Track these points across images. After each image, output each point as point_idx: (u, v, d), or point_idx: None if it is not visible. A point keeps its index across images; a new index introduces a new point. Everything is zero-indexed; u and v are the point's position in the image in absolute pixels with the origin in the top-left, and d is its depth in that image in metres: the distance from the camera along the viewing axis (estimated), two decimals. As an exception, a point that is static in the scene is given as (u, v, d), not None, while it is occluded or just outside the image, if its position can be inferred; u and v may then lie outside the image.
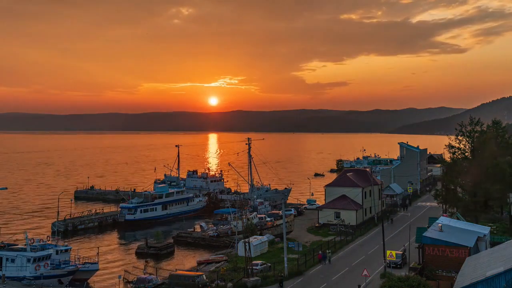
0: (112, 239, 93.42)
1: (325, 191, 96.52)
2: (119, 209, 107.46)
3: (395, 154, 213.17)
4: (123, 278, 59.66)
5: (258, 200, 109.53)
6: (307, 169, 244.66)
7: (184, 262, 74.34)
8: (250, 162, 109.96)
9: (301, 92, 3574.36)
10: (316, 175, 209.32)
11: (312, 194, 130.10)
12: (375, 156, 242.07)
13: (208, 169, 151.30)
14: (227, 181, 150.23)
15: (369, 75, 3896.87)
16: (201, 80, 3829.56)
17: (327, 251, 66.47)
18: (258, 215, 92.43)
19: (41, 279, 56.66)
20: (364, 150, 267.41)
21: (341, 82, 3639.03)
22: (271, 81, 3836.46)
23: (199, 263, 69.40)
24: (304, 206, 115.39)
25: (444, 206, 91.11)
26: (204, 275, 55.89)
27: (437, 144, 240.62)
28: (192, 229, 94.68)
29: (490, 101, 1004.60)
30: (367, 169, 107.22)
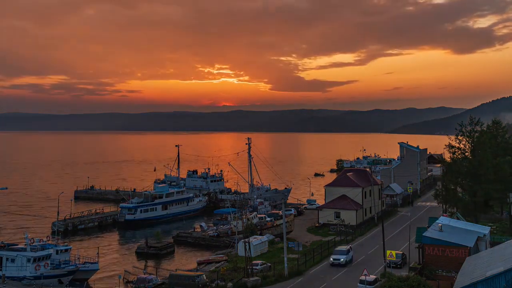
0: (112, 239, 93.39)
1: (325, 191, 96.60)
2: (119, 209, 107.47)
3: (395, 154, 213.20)
4: (123, 278, 59.65)
5: (258, 200, 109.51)
6: (307, 169, 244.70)
7: (184, 262, 74.34)
8: (250, 162, 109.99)
9: (303, 90, 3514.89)
10: (316, 175, 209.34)
11: (312, 194, 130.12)
12: (375, 156, 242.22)
13: (208, 169, 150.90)
14: (227, 181, 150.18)
15: (376, 72, 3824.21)
16: (197, 76, 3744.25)
17: None
18: (258, 215, 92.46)
19: (41, 279, 56.68)
20: (364, 150, 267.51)
21: (346, 81, 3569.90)
22: (272, 77, 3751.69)
23: (199, 263, 69.39)
24: (304, 206, 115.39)
25: (444, 206, 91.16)
26: (204, 275, 55.89)
27: (437, 144, 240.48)
28: (192, 229, 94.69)
29: (490, 101, 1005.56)
30: (367, 169, 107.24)
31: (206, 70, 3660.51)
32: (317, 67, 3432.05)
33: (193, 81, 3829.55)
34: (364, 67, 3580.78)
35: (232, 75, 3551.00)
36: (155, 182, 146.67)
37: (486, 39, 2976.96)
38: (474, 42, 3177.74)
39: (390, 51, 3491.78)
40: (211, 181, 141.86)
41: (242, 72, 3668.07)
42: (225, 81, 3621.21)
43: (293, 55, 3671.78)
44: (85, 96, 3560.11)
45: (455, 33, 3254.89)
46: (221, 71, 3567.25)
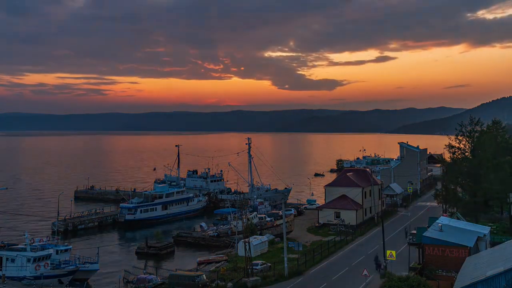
0: (112, 239, 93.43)
1: (325, 191, 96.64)
2: (119, 209, 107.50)
3: (394, 154, 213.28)
4: (123, 278, 59.64)
5: (258, 200, 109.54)
6: (307, 169, 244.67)
7: (184, 262, 74.32)
8: (250, 162, 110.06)
9: (306, 88, 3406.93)
10: (316, 175, 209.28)
11: (312, 194, 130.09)
12: (375, 156, 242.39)
13: (208, 169, 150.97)
14: (227, 181, 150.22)
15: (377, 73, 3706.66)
16: (197, 73, 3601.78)
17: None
18: (258, 215, 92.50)
19: (41, 279, 56.70)
20: (364, 150, 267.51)
21: (354, 80, 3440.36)
22: (276, 74, 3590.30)
23: (199, 263, 69.46)
24: (304, 206, 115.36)
25: (444, 206, 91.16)
26: (204, 275, 55.93)
27: (437, 144, 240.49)
28: (192, 229, 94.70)
29: (490, 101, 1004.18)
30: (367, 169, 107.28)
31: (206, 67, 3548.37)
32: (322, 65, 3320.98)
33: (192, 79, 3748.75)
34: (373, 65, 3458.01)
35: (235, 73, 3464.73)
36: (155, 182, 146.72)
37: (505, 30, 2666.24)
38: (491, 34, 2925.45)
39: (398, 46, 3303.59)
40: (211, 181, 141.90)
41: (242, 68, 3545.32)
42: (227, 79, 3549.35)
43: (298, 50, 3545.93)
44: (84, 97, 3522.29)
45: (474, 24, 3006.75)
46: (222, 68, 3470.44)
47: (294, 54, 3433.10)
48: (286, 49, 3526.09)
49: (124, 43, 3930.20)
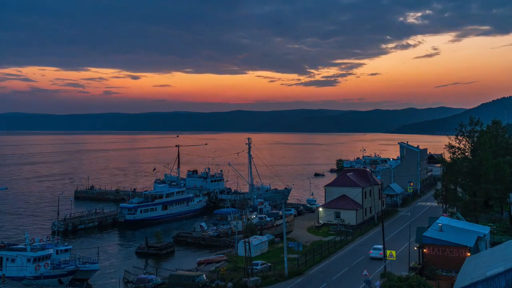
0: (112, 239, 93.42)
1: (325, 191, 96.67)
2: (119, 209, 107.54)
3: (394, 154, 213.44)
4: (123, 278, 59.70)
5: (258, 200, 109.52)
6: (307, 169, 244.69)
7: (184, 262, 74.34)
8: (250, 162, 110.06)
9: (311, 85, 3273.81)
10: (316, 175, 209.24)
11: (312, 194, 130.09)
12: (375, 156, 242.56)
13: (208, 169, 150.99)
14: (227, 181, 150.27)
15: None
16: (196, 69, 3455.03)
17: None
18: (258, 215, 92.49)
19: (41, 279, 56.73)
20: (364, 150, 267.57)
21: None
22: (279, 70, 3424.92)
23: (199, 263, 69.48)
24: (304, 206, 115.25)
25: (444, 206, 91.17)
26: (204, 275, 55.94)
27: (437, 144, 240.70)
28: (192, 229, 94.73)
29: (490, 101, 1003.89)
30: (367, 169, 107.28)
31: (205, 64, 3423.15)
32: (323, 64, 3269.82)
33: (188, 74, 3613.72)
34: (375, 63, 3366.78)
35: (237, 69, 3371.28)
36: (155, 182, 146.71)
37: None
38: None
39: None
40: (211, 181, 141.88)
41: (244, 55, 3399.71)
42: (228, 76, 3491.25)
43: (298, 47, 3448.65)
44: (85, 95, 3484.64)
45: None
46: (224, 64, 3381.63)
47: (293, 50, 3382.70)
48: (295, 42, 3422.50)
49: (120, 33, 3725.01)
